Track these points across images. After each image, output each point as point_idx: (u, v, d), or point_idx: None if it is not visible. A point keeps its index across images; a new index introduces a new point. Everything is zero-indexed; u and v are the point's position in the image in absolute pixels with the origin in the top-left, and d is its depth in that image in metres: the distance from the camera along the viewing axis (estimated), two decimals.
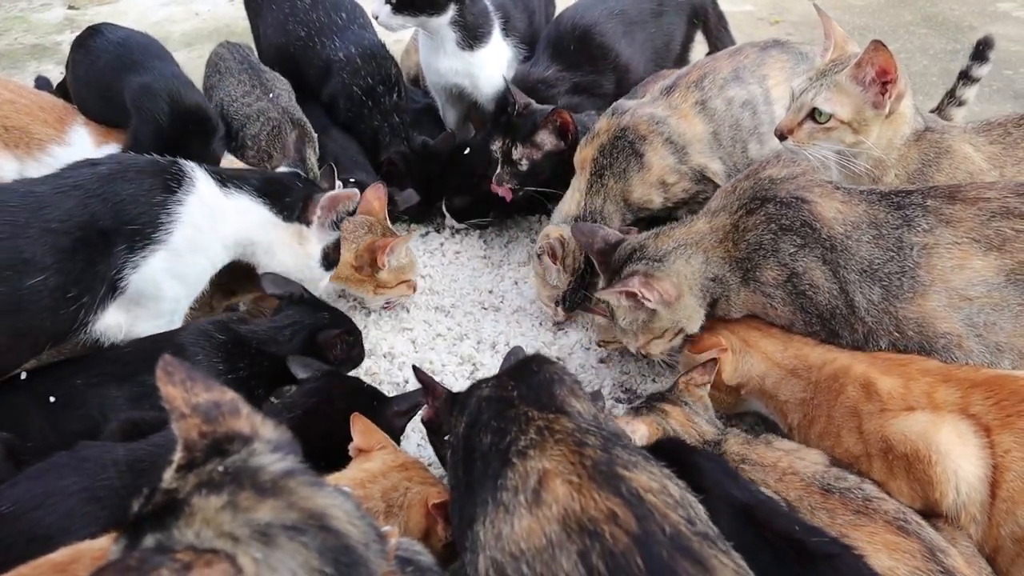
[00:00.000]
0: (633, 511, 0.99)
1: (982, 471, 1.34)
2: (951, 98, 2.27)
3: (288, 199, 1.92)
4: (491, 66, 2.71)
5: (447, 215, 2.67)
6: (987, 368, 1.50)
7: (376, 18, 2.57)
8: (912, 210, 1.59)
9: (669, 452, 1.36)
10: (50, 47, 4.15)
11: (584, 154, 2.22)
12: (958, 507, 1.36)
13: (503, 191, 2.41)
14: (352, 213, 2.12)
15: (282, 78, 2.82)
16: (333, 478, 1.35)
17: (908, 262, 1.55)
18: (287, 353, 1.77)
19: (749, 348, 1.72)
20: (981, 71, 2.20)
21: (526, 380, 1.27)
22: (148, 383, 1.60)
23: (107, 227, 1.67)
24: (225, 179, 1.87)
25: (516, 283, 2.46)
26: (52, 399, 1.62)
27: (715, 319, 1.81)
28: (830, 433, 1.53)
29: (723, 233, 1.74)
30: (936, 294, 1.53)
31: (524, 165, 2.36)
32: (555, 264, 2.15)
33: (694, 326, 1.78)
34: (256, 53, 2.99)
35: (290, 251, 1.94)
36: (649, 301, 1.71)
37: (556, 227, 2.20)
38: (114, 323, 1.76)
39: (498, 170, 2.40)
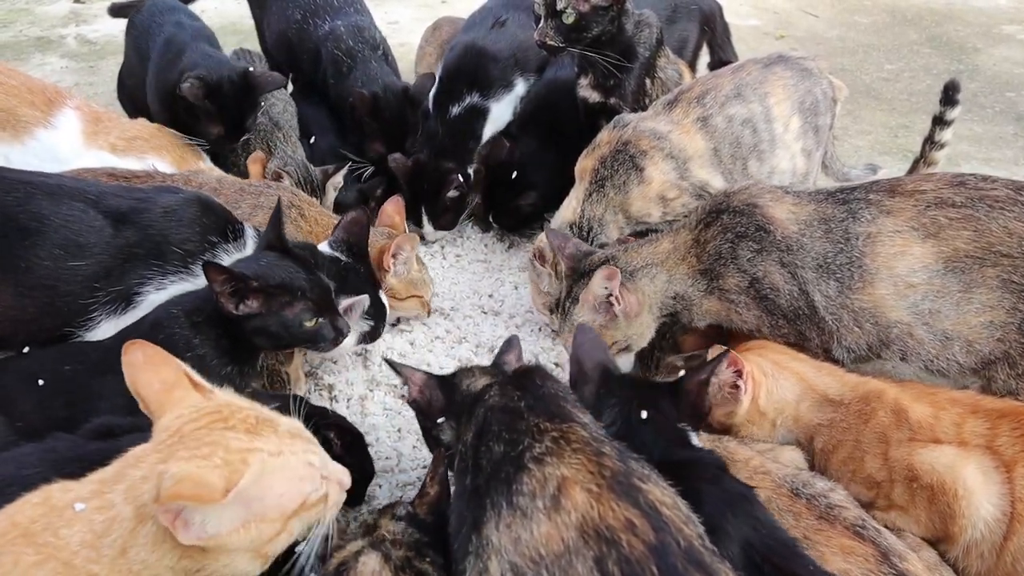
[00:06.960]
0: (651, 522, 1.00)
1: (1001, 512, 1.34)
2: (931, 144, 2.32)
3: None
4: None
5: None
6: (1012, 399, 1.50)
7: None
8: (856, 204, 1.68)
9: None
10: (55, 40, 4.15)
11: (584, 164, 2.21)
12: (972, 543, 1.36)
13: (545, 46, 2.27)
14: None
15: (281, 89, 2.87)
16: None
17: (855, 252, 1.63)
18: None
19: (782, 370, 1.62)
20: (953, 114, 2.28)
21: (532, 392, 1.27)
22: None
23: (156, 238, 1.72)
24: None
25: (516, 288, 2.46)
26: (40, 383, 1.58)
27: (738, 345, 1.77)
28: (855, 458, 1.50)
29: (685, 249, 1.81)
30: (882, 281, 1.61)
31: (570, 17, 2.22)
32: (544, 267, 2.16)
33: (642, 343, 1.84)
34: (263, 57, 3.06)
35: None
36: (619, 303, 1.76)
37: None
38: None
39: (540, 24, 2.25)
